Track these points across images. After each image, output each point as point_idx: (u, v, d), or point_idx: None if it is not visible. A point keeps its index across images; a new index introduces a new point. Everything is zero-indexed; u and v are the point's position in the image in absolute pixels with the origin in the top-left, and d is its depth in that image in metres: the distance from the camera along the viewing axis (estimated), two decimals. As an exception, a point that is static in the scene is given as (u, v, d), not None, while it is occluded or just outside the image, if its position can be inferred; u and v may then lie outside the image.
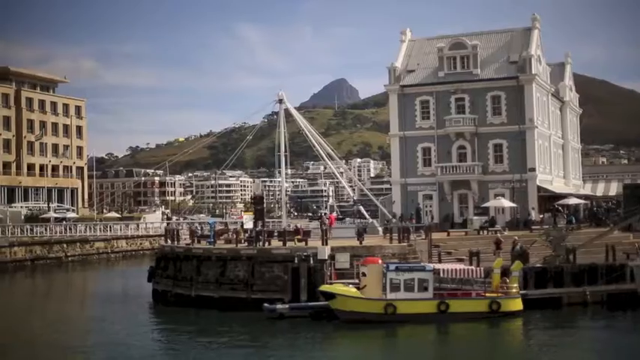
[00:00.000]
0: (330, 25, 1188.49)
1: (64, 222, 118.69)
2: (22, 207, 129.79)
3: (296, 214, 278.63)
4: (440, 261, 54.93)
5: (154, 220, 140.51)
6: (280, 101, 75.86)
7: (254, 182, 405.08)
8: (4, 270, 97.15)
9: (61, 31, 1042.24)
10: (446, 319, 47.29)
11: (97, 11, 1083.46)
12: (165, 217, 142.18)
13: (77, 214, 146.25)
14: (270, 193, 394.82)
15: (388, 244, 57.91)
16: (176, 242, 64.50)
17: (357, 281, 49.87)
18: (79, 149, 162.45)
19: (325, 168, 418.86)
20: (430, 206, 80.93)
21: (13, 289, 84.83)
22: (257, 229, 58.62)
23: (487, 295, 49.16)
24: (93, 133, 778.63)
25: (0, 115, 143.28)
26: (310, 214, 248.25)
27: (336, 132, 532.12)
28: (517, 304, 49.15)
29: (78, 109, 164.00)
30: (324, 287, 49.80)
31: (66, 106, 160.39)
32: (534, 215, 73.94)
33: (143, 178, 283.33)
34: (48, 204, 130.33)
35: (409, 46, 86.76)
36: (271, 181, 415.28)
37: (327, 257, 53.53)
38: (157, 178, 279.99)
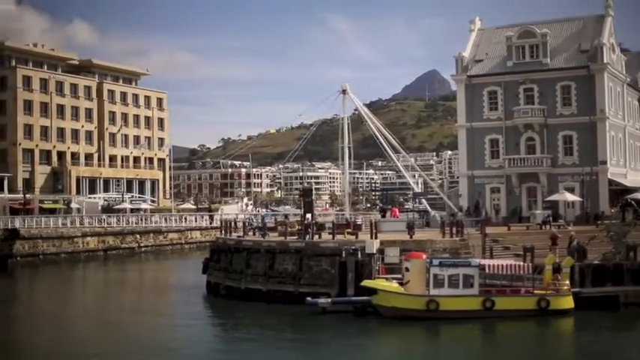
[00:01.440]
0: (422, 17, 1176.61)
1: (141, 212, 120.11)
2: (99, 198, 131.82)
3: (382, 206, 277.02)
4: (492, 256, 53.00)
5: (231, 211, 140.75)
6: (344, 92, 74.95)
7: (342, 174, 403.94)
8: (77, 259, 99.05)
9: (158, 25, 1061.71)
10: (491, 317, 45.62)
11: (193, 5, 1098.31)
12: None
13: (158, 205, 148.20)
14: (359, 186, 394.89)
15: (440, 238, 56.30)
16: (229, 234, 64.16)
17: (400, 276, 48.52)
18: (161, 141, 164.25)
19: (416, 160, 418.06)
20: (498, 200, 78.76)
21: (81, 278, 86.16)
22: (305, 221, 57.73)
23: (536, 292, 47.22)
24: (187, 124, 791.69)
25: (82, 107, 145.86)
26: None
27: (427, 124, 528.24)
28: (567, 302, 47.04)
29: (160, 101, 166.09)
30: (367, 282, 48.69)
31: (147, 99, 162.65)
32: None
33: (230, 170, 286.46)
34: (122, 195, 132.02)
35: (478, 35, 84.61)
36: (360, 173, 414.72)
37: (375, 251, 52.27)
38: (243, 170, 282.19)
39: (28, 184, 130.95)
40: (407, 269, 47.64)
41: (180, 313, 55.60)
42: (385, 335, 45.07)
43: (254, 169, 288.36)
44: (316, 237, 57.49)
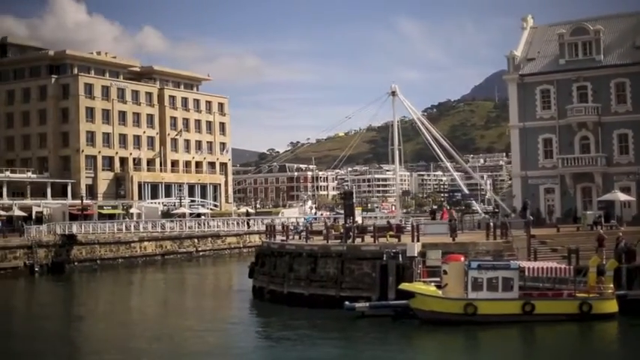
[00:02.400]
0: (491, 16, 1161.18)
1: (202, 217, 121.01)
2: (158, 203, 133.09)
3: (448, 207, 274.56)
4: (536, 258, 51.74)
5: (292, 215, 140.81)
6: (393, 93, 74.11)
7: (411, 176, 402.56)
8: (134, 264, 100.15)
9: (226, 31, 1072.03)
10: (531, 321, 44.49)
11: (259, 10, 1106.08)
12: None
13: (220, 209, 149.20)
14: (427, 187, 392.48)
15: (484, 240, 55.25)
16: (273, 238, 64.07)
17: (438, 279, 47.73)
18: (223, 145, 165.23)
19: (485, 161, 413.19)
20: (552, 200, 77.16)
21: (137, 282, 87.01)
22: (347, 225, 57.19)
23: (578, 295, 45.91)
24: (257, 128, 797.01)
25: (144, 113, 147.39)
26: (462, 207, 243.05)
27: (496, 124, 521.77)
28: (611, 306, 45.55)
29: (221, 106, 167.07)
30: (404, 285, 47.92)
31: (209, 104, 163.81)
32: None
33: (296, 173, 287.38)
34: (180, 199, 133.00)
35: (530, 33, 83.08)
36: (428, 175, 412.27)
37: (416, 254, 51.49)
38: (309, 173, 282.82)
39: (91, 190, 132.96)
40: (445, 272, 46.78)
41: (222, 317, 56.09)
42: (421, 340, 44.38)
43: (320, 173, 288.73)
44: (359, 240, 56.95)
